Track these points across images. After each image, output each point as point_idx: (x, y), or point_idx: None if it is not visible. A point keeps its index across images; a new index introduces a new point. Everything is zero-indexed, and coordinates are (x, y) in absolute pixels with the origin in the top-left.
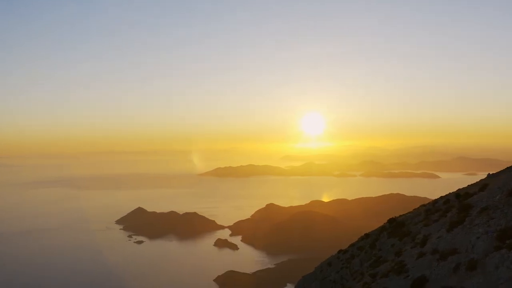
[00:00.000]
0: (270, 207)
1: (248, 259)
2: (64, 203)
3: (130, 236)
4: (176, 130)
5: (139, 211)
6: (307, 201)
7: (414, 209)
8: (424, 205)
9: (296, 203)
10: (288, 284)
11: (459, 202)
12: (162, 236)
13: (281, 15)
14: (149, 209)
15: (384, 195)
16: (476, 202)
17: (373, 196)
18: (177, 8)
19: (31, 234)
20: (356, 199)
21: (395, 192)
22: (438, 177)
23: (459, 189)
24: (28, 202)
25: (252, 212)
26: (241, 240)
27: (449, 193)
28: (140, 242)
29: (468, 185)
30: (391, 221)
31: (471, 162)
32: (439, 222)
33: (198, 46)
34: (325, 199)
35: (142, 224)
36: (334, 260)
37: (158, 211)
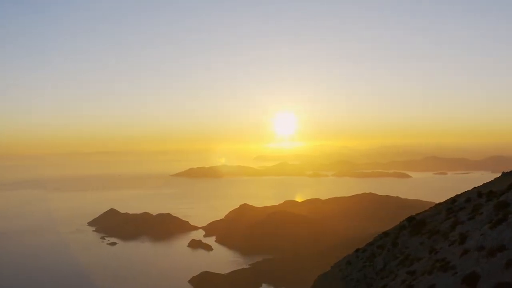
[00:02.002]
0: (244, 207)
1: (223, 259)
2: (34, 205)
3: (102, 238)
4: (148, 131)
5: (112, 212)
6: (281, 201)
7: (430, 207)
8: (440, 204)
9: (270, 203)
10: (263, 284)
11: (487, 199)
12: (135, 238)
13: (254, 16)
14: (122, 210)
15: (357, 194)
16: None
17: (346, 195)
18: (151, 6)
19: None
20: (330, 198)
21: (367, 191)
22: (409, 176)
23: (474, 188)
24: None
25: (226, 213)
26: (215, 241)
27: (465, 191)
28: (113, 244)
29: (484, 184)
30: (410, 219)
31: (442, 162)
32: (475, 220)
33: (172, 46)
34: (299, 199)
35: (114, 225)
36: (353, 259)
37: (131, 212)
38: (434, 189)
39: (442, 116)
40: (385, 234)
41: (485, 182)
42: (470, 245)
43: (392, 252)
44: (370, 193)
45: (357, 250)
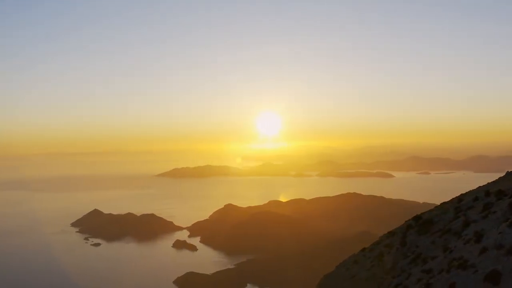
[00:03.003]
0: (229, 207)
1: (208, 260)
2: (17, 206)
3: (86, 239)
4: (132, 131)
5: (95, 213)
6: (265, 201)
7: (435, 207)
8: (446, 203)
9: (254, 203)
10: (248, 284)
11: (497, 198)
12: (119, 238)
13: (237, 14)
14: (106, 211)
15: (341, 194)
16: None
17: (330, 195)
18: (130, 8)
19: None
20: (314, 198)
21: (351, 191)
22: (393, 176)
23: (480, 187)
24: None
25: (211, 213)
26: (200, 241)
27: (470, 190)
28: (97, 245)
29: (488, 183)
30: (416, 219)
31: (424, 162)
32: (489, 219)
33: (154, 46)
34: (283, 199)
35: (98, 226)
36: (360, 258)
37: (114, 213)
38: (417, 188)
39: (426, 116)
40: (391, 233)
41: (489, 181)
42: (488, 243)
43: (401, 251)
44: (354, 193)
45: (363, 250)
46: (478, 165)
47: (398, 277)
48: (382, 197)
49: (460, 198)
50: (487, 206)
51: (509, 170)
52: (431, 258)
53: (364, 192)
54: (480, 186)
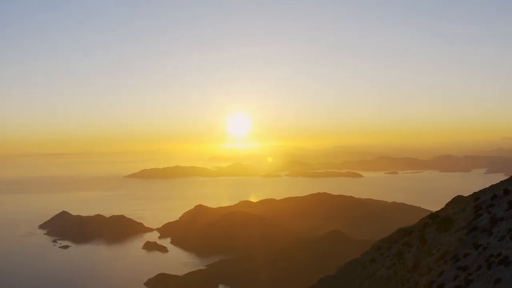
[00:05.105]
0: (199, 208)
1: (179, 261)
2: None
3: (55, 241)
4: (100, 132)
5: (64, 215)
6: (236, 202)
7: (447, 205)
8: (460, 201)
9: (224, 203)
10: (220, 285)
11: None
12: (88, 241)
13: (207, 15)
14: (74, 212)
15: (312, 194)
16: None
17: (300, 195)
18: (101, 9)
19: None
20: (284, 198)
21: (321, 191)
22: (362, 176)
23: (492, 185)
24: None
25: (181, 214)
26: (171, 242)
27: (484, 189)
28: (65, 247)
29: (501, 181)
30: (433, 217)
31: (392, 161)
32: None
33: (123, 47)
34: (253, 199)
35: (67, 228)
36: (377, 257)
37: (83, 214)
38: (386, 188)
39: (394, 117)
40: (407, 231)
41: (502, 180)
42: None
43: (422, 249)
44: (324, 193)
45: (379, 248)
46: (444, 165)
47: (427, 274)
48: (351, 197)
49: (475, 197)
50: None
51: None
52: (463, 255)
53: (334, 192)
54: (492, 185)
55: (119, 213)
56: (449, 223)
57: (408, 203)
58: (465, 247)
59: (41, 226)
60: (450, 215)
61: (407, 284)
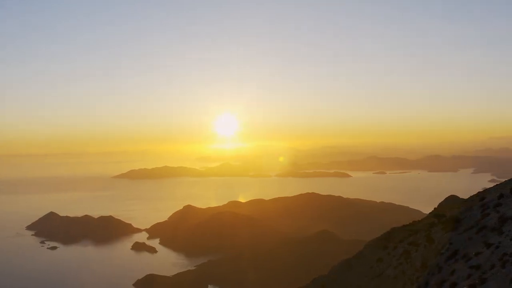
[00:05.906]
0: (188, 208)
1: (168, 261)
2: None
3: (42, 242)
4: (88, 132)
5: (51, 215)
6: (225, 202)
7: (443, 205)
8: (465, 201)
9: (213, 204)
10: (209, 286)
11: None
12: (77, 241)
13: (196, 16)
14: (62, 213)
15: (300, 194)
16: None
17: (289, 196)
18: (89, 9)
19: None
20: (273, 199)
21: (310, 191)
22: (350, 176)
23: (497, 185)
24: None
25: (170, 214)
26: (160, 243)
27: (489, 188)
28: (53, 248)
29: (506, 181)
30: (439, 216)
31: (381, 162)
32: None
33: (112, 47)
34: (242, 199)
35: (55, 229)
36: (384, 257)
37: (71, 215)
38: (374, 188)
39: (382, 116)
40: (412, 231)
41: (507, 179)
42: None
43: (429, 248)
44: (313, 193)
45: (385, 248)
46: (432, 165)
47: (438, 274)
48: (340, 197)
49: (481, 196)
50: None
51: None
52: (475, 254)
53: (322, 192)
54: (497, 184)
55: (108, 214)
56: (456, 222)
57: (397, 203)
58: (475, 246)
59: (29, 227)
60: (456, 215)
61: (416, 283)
